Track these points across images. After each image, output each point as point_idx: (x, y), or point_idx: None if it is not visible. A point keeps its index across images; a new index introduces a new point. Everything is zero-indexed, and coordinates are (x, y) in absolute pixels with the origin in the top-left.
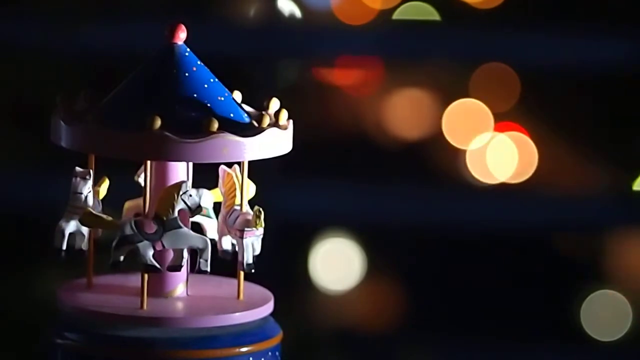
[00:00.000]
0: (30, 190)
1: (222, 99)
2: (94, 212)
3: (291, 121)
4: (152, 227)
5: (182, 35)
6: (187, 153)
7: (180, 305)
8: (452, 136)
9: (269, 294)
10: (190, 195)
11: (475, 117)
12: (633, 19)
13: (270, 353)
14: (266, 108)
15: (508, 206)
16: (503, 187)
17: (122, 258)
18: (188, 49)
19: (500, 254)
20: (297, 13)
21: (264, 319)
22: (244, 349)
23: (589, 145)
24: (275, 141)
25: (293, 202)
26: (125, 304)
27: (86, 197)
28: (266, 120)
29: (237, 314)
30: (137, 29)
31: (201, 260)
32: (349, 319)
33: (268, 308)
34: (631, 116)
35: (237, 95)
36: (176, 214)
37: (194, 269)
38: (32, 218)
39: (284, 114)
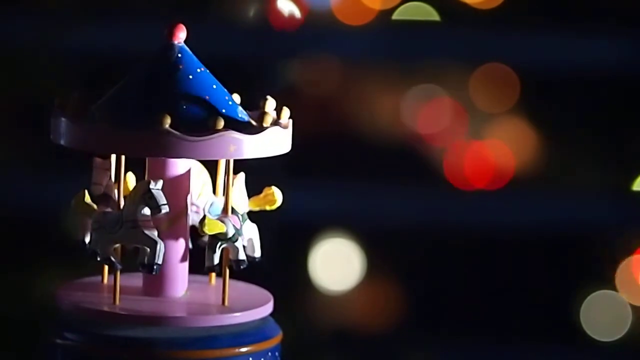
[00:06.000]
0: (30, 190)
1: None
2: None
3: (291, 120)
4: (238, 223)
5: (181, 35)
6: (194, 151)
7: (180, 305)
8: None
9: (268, 294)
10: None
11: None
12: (633, 19)
13: (270, 353)
14: (262, 108)
15: (508, 206)
16: (502, 187)
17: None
18: (188, 49)
19: (500, 254)
20: (297, 13)
21: (264, 319)
22: (243, 349)
23: (588, 145)
24: (277, 140)
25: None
26: (125, 304)
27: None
28: (268, 119)
29: (237, 314)
30: (137, 29)
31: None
32: (349, 319)
33: (268, 308)
34: (630, 116)
35: (236, 98)
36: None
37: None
38: (32, 218)
39: (285, 112)
